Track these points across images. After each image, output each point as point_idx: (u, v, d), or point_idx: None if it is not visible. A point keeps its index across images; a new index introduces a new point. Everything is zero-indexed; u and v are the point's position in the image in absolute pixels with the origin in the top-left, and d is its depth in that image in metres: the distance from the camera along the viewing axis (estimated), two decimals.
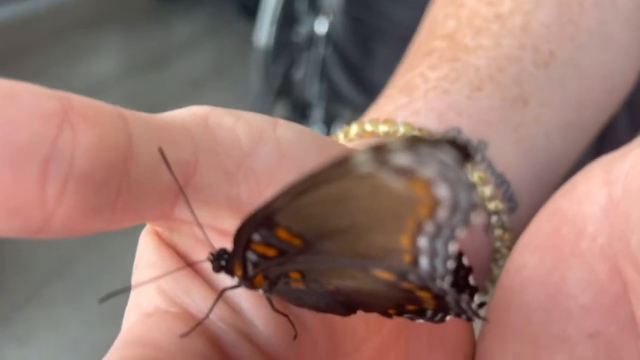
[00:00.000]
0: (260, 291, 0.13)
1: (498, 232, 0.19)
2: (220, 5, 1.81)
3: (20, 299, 0.88)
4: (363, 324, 0.14)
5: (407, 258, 0.11)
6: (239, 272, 0.13)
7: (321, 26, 1.16)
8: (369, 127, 0.19)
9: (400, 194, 0.10)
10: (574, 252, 0.15)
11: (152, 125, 0.12)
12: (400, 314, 0.13)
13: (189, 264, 0.13)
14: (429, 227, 0.11)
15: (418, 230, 0.11)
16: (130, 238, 0.13)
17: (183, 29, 2.03)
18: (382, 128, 0.19)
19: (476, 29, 0.20)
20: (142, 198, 0.12)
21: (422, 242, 0.11)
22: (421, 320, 0.13)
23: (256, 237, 0.12)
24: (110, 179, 0.11)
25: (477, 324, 0.17)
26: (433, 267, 0.11)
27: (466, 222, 0.10)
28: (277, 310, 0.13)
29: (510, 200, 0.19)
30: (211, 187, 0.12)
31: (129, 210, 0.11)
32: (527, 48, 0.20)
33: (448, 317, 0.13)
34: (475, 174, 0.18)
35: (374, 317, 0.14)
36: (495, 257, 0.19)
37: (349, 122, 0.20)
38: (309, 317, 0.14)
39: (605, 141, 0.30)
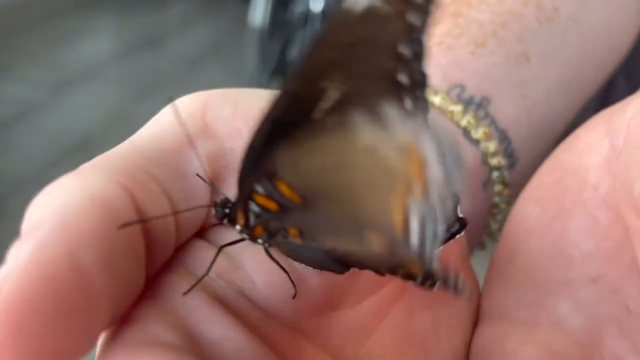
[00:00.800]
0: (260, 241, 0.13)
1: (498, 187, 0.19)
2: None
3: None
4: (364, 280, 0.14)
5: (397, 220, 0.11)
6: (241, 221, 0.12)
7: (317, 4, 1.15)
8: None
9: (394, 161, 0.10)
10: (576, 202, 0.15)
11: (173, 174, 0.12)
12: (392, 274, 0.13)
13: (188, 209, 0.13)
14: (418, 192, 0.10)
15: (408, 192, 0.10)
16: None
17: (178, 8, 2.02)
18: None
19: None
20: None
21: (413, 206, 0.10)
22: (412, 282, 0.13)
23: (259, 188, 0.12)
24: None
25: (480, 274, 0.17)
26: (423, 234, 0.11)
27: (453, 206, 0.10)
28: (273, 259, 0.13)
29: (511, 157, 0.19)
30: (227, 182, 0.13)
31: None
32: (531, 4, 0.20)
33: (437, 285, 0.13)
34: (480, 130, 0.18)
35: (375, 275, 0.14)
36: (493, 212, 0.19)
37: None
38: (309, 271, 0.14)
39: (605, 105, 0.30)
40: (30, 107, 1.35)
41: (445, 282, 0.13)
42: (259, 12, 1.22)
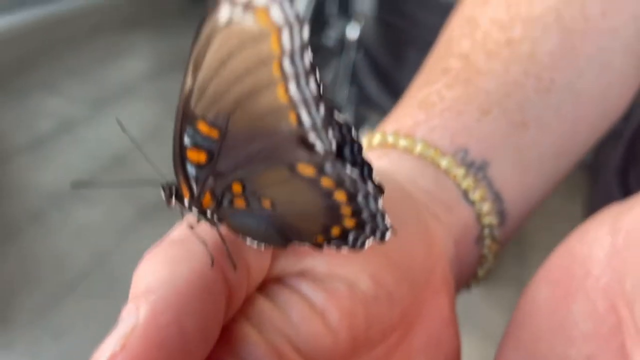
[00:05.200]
0: (209, 213, 0.14)
1: (488, 242, 0.21)
2: None
3: (56, 293, 0.91)
4: (375, 332, 0.16)
5: (292, 117, 0.12)
6: (187, 194, 0.14)
7: (353, 31, 1.17)
8: (390, 139, 0.21)
9: (255, 33, 0.11)
10: (580, 288, 0.17)
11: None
12: (328, 241, 0.15)
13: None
14: (286, 64, 0.12)
15: (283, 75, 0.12)
16: (163, 234, 0.15)
17: None
18: (402, 142, 0.21)
19: (489, 52, 0.22)
20: None
21: (292, 89, 0.12)
22: (345, 248, 0.15)
23: (186, 140, 0.13)
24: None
25: (472, 330, 0.19)
26: (312, 118, 0.12)
27: (305, 41, 0.12)
28: (221, 236, 0.14)
29: (502, 215, 0.21)
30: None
31: None
32: (531, 75, 0.22)
33: (367, 243, 0.14)
34: (477, 192, 0.21)
35: (383, 323, 0.16)
36: (482, 261, 0.22)
37: (377, 126, 0.22)
38: (341, 330, 0.15)
39: (636, 146, 0.31)
40: (71, 122, 1.39)
41: (375, 226, 0.14)
42: None
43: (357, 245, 0.14)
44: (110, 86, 1.60)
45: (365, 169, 0.14)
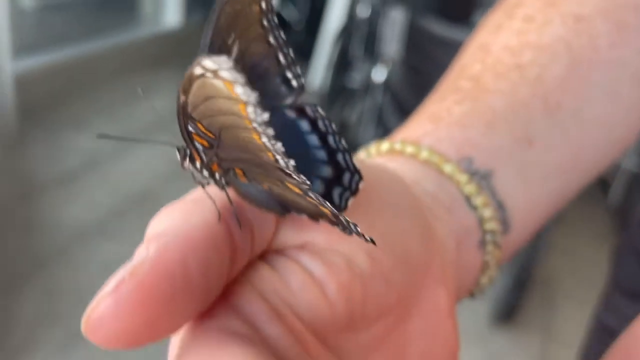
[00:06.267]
0: (217, 177, 0.16)
1: (490, 247, 0.21)
2: None
3: (79, 329, 0.91)
4: (372, 308, 0.17)
5: (270, 155, 0.14)
6: (198, 159, 0.16)
7: (379, 74, 1.18)
8: (398, 146, 0.22)
9: (225, 93, 0.13)
10: None
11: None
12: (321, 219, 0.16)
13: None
14: (256, 125, 0.13)
15: (255, 130, 0.13)
16: None
17: None
18: (409, 149, 0.22)
19: (498, 74, 0.23)
20: None
21: (265, 141, 0.13)
22: (338, 228, 0.16)
23: (190, 128, 0.15)
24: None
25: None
26: (285, 163, 0.14)
27: (265, 120, 0.13)
28: (226, 194, 0.15)
29: (505, 224, 0.22)
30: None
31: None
32: (538, 97, 0.23)
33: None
34: (479, 198, 0.21)
35: (379, 302, 0.17)
36: (484, 268, 0.22)
37: None
38: (339, 303, 0.16)
39: None
40: (99, 158, 1.41)
41: (345, 228, 0.15)
42: (318, 76, 1.24)
43: (346, 231, 0.15)
44: (137, 124, 1.63)
45: (346, 154, 0.17)
